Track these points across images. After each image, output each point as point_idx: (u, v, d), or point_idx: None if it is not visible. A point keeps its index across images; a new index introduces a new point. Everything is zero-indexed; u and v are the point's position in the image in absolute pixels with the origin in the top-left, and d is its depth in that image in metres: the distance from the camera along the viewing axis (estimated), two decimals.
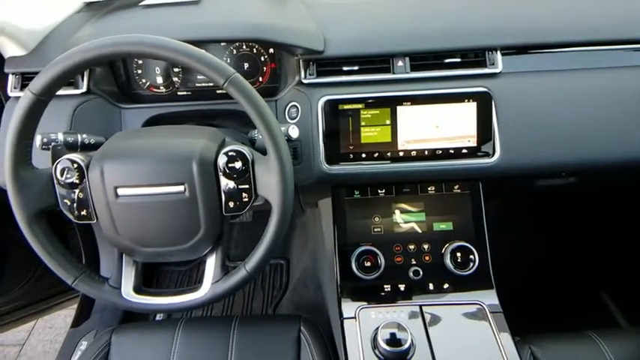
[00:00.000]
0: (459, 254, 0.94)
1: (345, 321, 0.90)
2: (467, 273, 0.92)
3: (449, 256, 0.93)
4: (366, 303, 0.92)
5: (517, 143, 0.92)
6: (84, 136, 0.81)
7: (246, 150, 0.73)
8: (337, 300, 0.94)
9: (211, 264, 0.78)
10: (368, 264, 0.94)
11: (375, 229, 0.98)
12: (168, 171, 0.71)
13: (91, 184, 0.72)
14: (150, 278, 1.71)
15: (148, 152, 0.72)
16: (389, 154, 0.93)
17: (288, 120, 0.94)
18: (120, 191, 0.71)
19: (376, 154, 0.93)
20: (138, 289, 0.79)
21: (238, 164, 0.72)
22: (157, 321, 1.43)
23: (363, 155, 0.94)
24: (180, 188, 0.71)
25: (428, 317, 0.88)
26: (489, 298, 0.91)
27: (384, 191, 0.99)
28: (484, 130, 0.92)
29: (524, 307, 1.47)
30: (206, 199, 0.72)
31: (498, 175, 0.94)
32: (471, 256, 0.93)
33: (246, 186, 0.74)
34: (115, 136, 0.78)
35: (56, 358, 1.28)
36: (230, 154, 0.72)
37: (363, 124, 0.92)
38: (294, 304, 1.49)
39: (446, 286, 0.94)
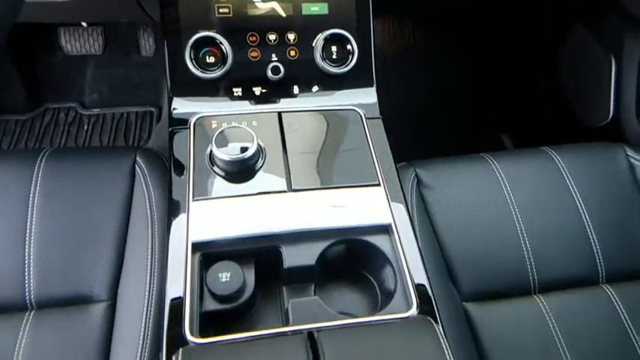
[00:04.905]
0: (334, 47, 0.70)
1: (177, 134, 0.66)
2: (342, 70, 0.70)
3: (320, 47, 0.69)
4: (206, 111, 0.68)
5: None
6: None
7: None
8: (167, 107, 0.68)
9: None
10: (211, 59, 0.67)
11: (221, 10, 0.69)
12: None
13: None
14: None
15: None
16: None
17: None
18: None
19: None
20: None
21: None
22: None
23: None
24: None
25: (287, 126, 0.66)
26: (367, 97, 0.70)
27: None
28: None
29: (415, 135, 1.34)
30: None
31: None
32: (349, 47, 0.69)
33: None
34: None
35: None
36: None
37: None
38: (159, 148, 1.22)
39: (315, 88, 0.71)
